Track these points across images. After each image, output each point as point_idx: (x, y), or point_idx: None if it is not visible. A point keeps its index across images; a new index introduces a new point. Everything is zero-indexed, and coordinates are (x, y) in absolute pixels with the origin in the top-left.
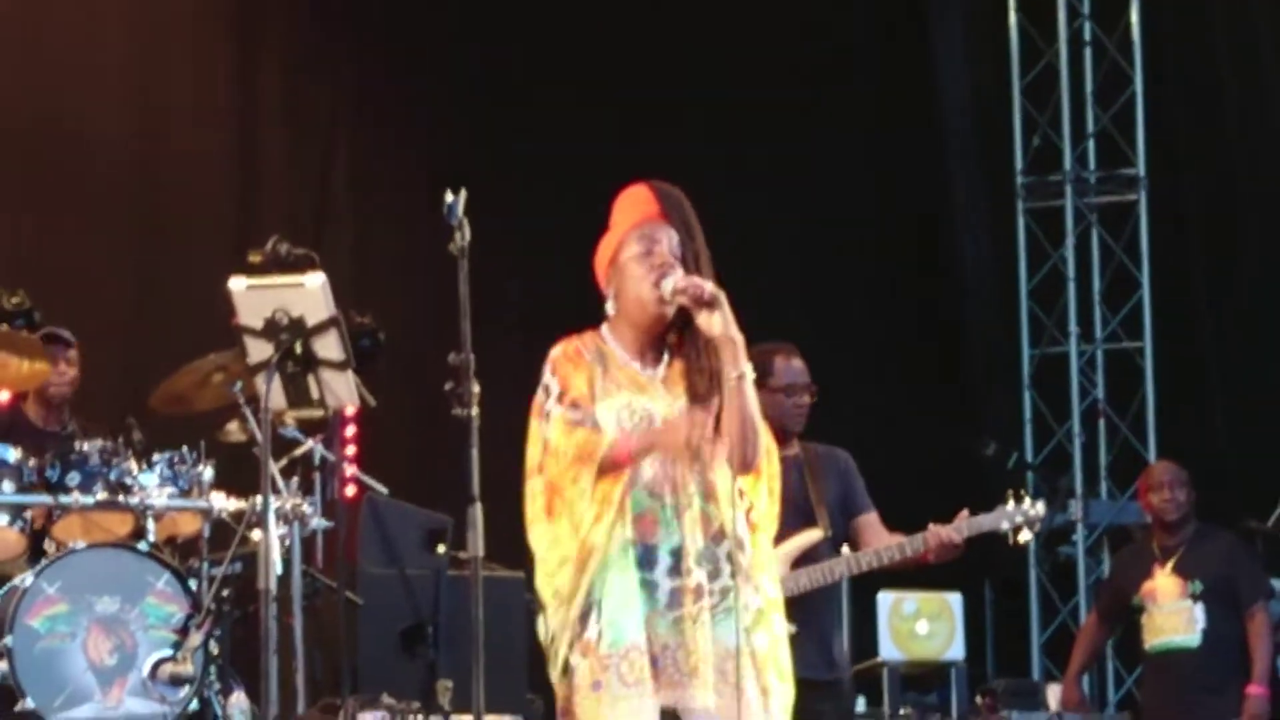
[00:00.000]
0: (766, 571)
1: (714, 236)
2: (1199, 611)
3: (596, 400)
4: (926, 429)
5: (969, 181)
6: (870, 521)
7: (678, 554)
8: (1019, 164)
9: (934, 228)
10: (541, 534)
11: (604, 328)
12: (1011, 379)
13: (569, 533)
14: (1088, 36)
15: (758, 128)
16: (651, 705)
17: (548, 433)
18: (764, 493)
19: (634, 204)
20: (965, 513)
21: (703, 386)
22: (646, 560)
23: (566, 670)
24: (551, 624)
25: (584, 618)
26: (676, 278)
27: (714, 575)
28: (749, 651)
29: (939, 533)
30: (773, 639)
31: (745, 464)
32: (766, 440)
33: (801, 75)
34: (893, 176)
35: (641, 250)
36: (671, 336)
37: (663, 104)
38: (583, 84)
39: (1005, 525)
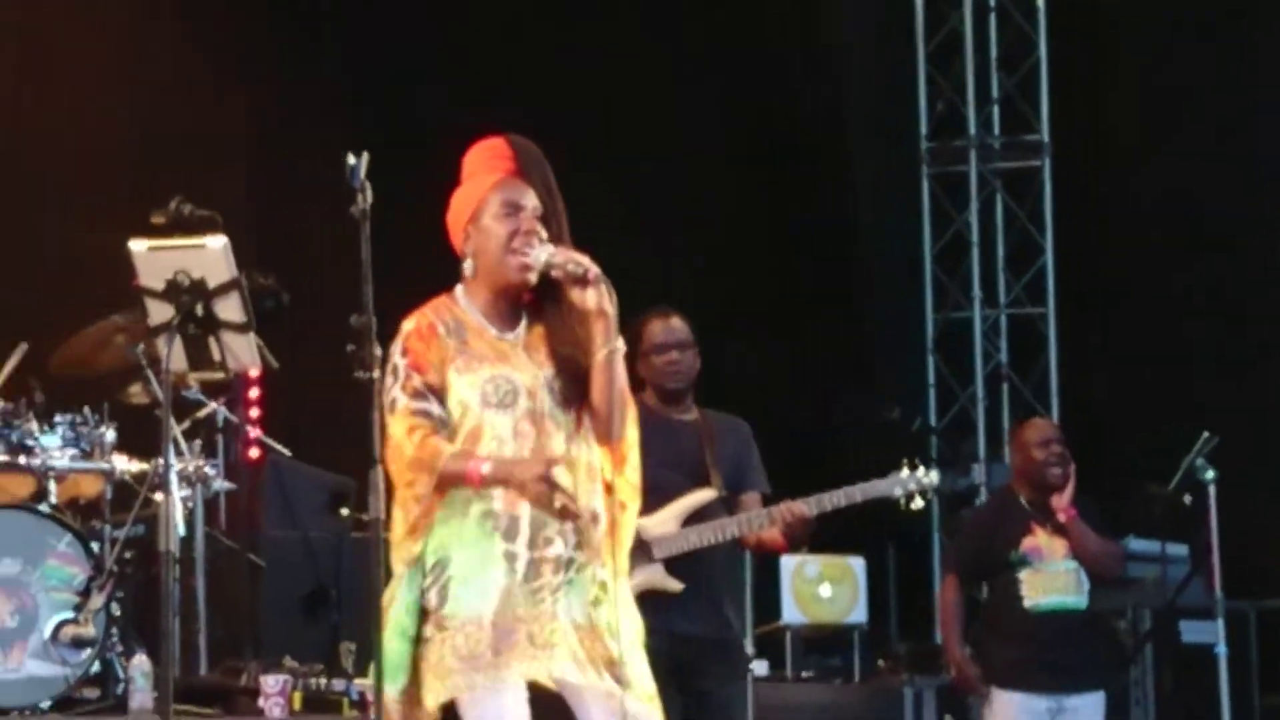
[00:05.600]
0: (624, 549)
1: (615, 203)
2: (1084, 574)
3: (459, 374)
4: (832, 393)
5: (874, 146)
6: (752, 501)
7: (536, 525)
8: (923, 129)
9: (840, 193)
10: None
11: (458, 290)
12: (915, 344)
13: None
14: (993, 3)
15: (658, 89)
16: (483, 680)
17: (390, 423)
18: (627, 476)
19: (491, 158)
20: (799, 502)
21: (567, 352)
22: (510, 531)
23: (420, 640)
24: (397, 590)
25: (432, 587)
26: (550, 250)
27: (566, 545)
28: (589, 626)
29: (792, 507)
30: (628, 614)
31: (610, 435)
32: (631, 410)
33: (711, 37)
34: (798, 141)
35: (505, 212)
36: (525, 295)
37: (554, 65)
38: (487, 49)
39: (898, 491)
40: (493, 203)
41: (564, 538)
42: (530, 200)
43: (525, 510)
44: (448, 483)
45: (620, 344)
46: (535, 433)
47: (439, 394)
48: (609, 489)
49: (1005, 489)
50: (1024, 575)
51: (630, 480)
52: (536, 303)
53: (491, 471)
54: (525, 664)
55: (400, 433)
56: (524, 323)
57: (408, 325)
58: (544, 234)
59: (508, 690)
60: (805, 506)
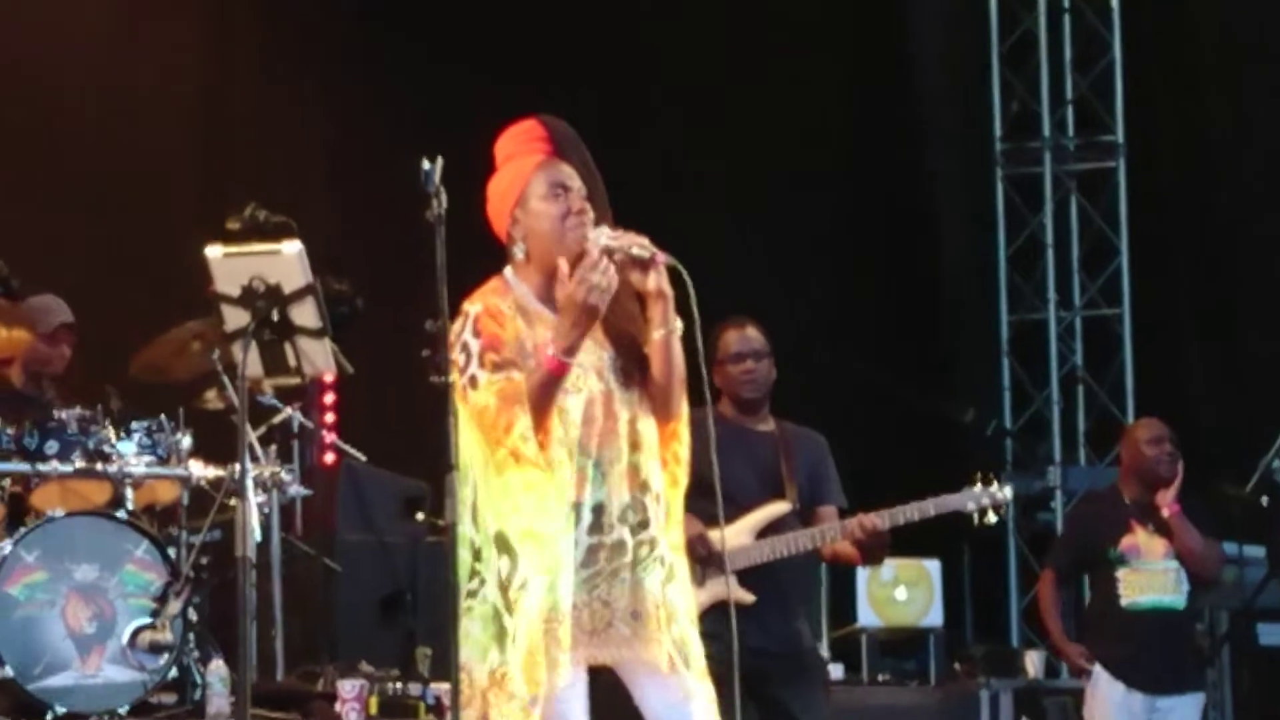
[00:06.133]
0: (676, 528)
1: (685, 201)
2: (1183, 574)
3: (526, 359)
4: (904, 396)
5: (946, 148)
6: (828, 514)
7: (599, 510)
8: (997, 130)
9: (912, 194)
10: (511, 481)
11: (509, 274)
12: (990, 346)
13: (537, 479)
14: (1066, 3)
15: (728, 92)
16: (554, 674)
17: (472, 399)
18: (677, 453)
19: (527, 141)
20: (872, 515)
21: (625, 332)
22: (574, 518)
23: (499, 620)
24: (494, 568)
25: (511, 575)
26: (607, 233)
27: (641, 526)
28: (662, 603)
29: (863, 520)
30: (685, 593)
31: (670, 414)
32: (684, 409)
33: (776, 38)
34: (870, 142)
35: (553, 193)
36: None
37: (634, 64)
38: (561, 46)
39: (971, 506)
40: (538, 184)
41: (625, 523)
42: (576, 180)
43: (587, 496)
44: (540, 400)
45: (678, 323)
46: (604, 414)
47: (518, 368)
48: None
49: (1110, 487)
50: (1121, 574)
51: (681, 455)
52: None
53: (557, 346)
54: (582, 650)
55: (484, 397)
56: None
57: (473, 307)
58: (592, 214)
59: (575, 681)
60: (879, 519)
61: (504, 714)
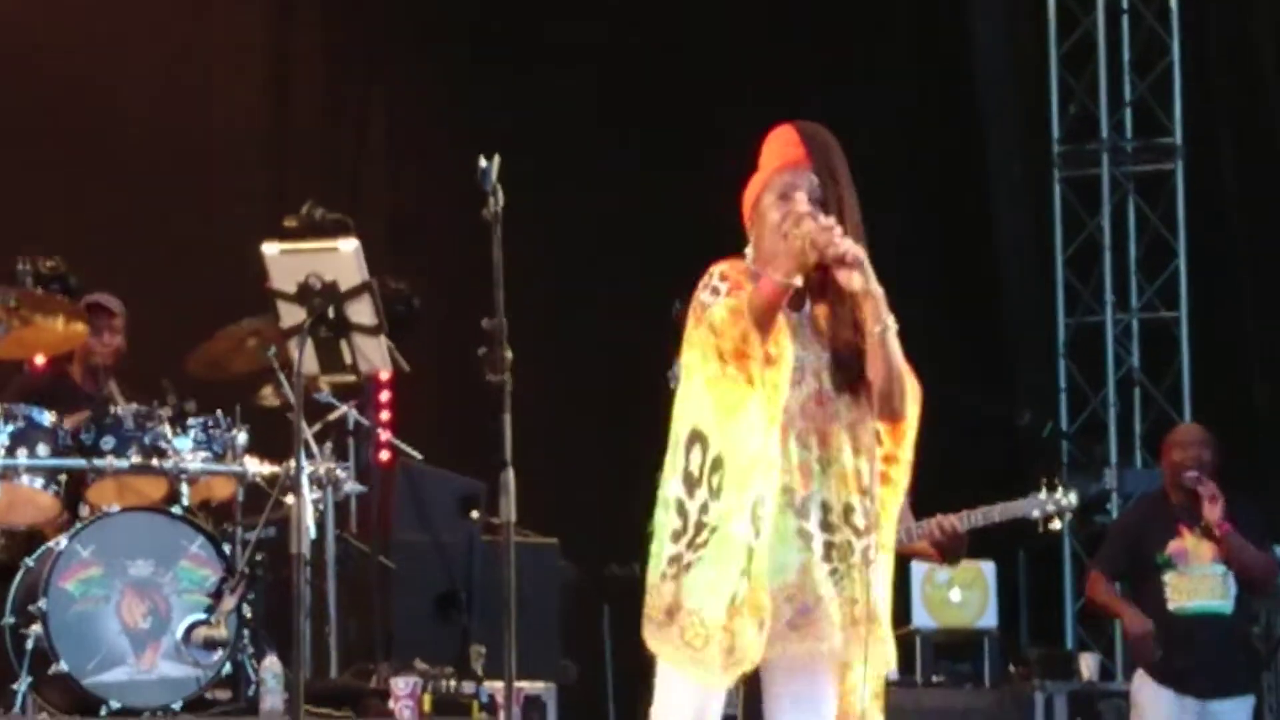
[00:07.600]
0: (890, 524)
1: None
2: (1231, 579)
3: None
4: (962, 398)
5: (1005, 150)
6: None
7: (826, 508)
8: (1056, 132)
9: (970, 196)
10: (723, 391)
11: (749, 261)
12: (1047, 348)
13: (756, 399)
14: (1125, 5)
15: (792, 90)
16: (779, 649)
17: (710, 316)
18: (894, 454)
19: (780, 146)
20: (951, 517)
21: (846, 335)
22: (802, 509)
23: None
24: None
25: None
26: (812, 227)
27: (866, 531)
28: (868, 602)
29: (942, 522)
30: (887, 592)
31: (894, 414)
32: (913, 388)
33: (838, 40)
34: (928, 145)
35: (780, 197)
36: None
37: (695, 63)
38: (617, 46)
39: (1036, 513)
40: (771, 189)
41: (849, 524)
42: (807, 184)
43: (814, 489)
44: (761, 313)
45: (892, 321)
46: (823, 415)
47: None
48: (884, 462)
49: (1158, 492)
50: (1169, 578)
51: (905, 458)
52: (816, 284)
53: (770, 272)
54: (813, 643)
55: (721, 311)
56: (808, 302)
57: (722, 265)
58: (821, 219)
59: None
60: (959, 521)
61: (746, 643)
